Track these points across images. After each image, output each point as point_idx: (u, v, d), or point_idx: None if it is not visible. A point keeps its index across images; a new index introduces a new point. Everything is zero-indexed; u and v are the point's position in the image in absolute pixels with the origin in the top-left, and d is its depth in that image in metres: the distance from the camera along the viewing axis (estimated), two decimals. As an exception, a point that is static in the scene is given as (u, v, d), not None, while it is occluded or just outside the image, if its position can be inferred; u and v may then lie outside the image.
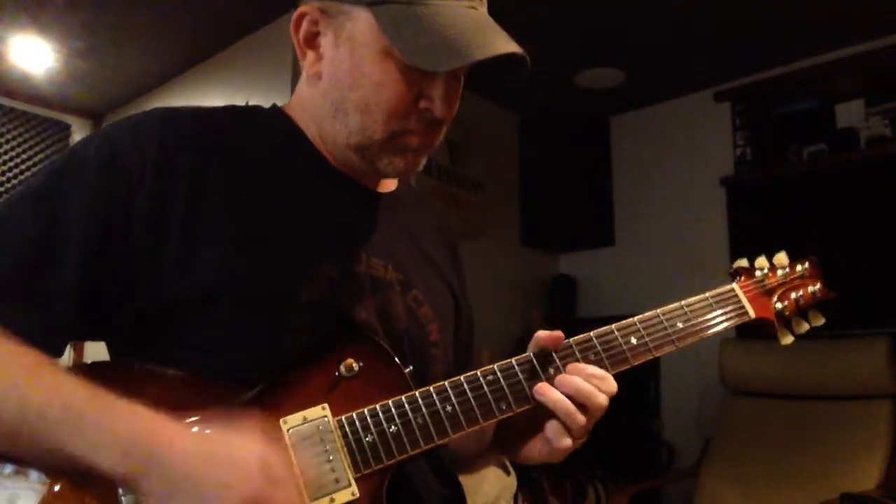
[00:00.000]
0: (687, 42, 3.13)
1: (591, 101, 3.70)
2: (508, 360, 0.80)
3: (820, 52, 3.20)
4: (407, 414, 0.74)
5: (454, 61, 0.75)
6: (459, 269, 1.04)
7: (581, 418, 0.76)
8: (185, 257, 0.74)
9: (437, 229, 1.04)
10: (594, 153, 3.94)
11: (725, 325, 0.90)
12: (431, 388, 0.76)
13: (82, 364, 0.74)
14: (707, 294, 0.91)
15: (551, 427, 0.78)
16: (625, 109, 3.91)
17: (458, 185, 3.51)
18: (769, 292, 0.96)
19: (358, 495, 0.71)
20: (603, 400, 0.77)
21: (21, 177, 3.65)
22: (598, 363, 0.81)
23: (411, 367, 0.78)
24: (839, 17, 2.89)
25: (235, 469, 0.63)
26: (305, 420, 0.72)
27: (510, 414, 0.78)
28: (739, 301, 0.93)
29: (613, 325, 0.84)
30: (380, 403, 0.74)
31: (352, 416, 0.73)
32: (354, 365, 0.76)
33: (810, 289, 0.98)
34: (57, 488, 0.64)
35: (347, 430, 0.73)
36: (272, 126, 0.89)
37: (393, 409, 0.74)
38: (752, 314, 0.93)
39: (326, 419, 0.73)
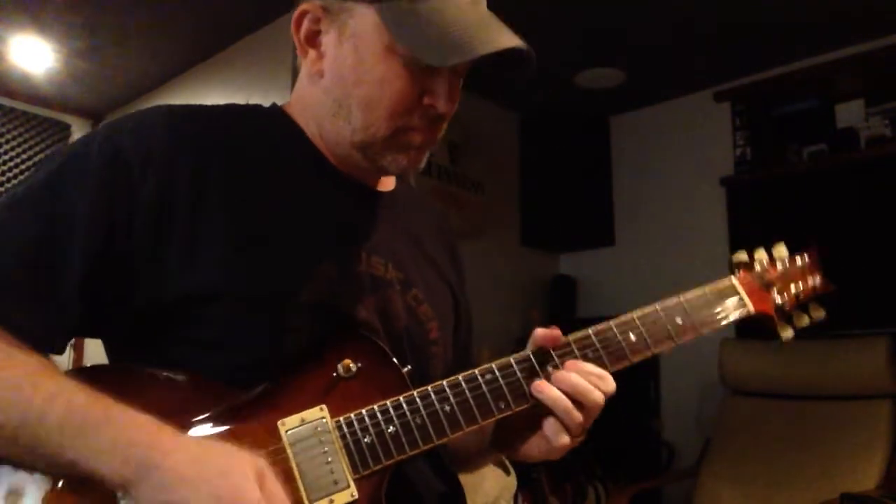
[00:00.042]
0: (687, 42, 3.12)
1: (591, 101, 3.70)
2: (507, 359, 0.79)
3: (820, 52, 3.20)
4: (405, 414, 0.74)
5: (459, 56, 0.75)
6: (459, 268, 1.04)
7: (578, 416, 0.76)
8: (185, 256, 0.74)
9: (436, 229, 1.04)
10: (594, 153, 3.94)
11: (725, 320, 0.89)
12: (430, 388, 0.76)
13: (82, 368, 0.74)
14: (706, 288, 0.90)
15: (549, 425, 0.78)
16: (625, 109, 3.91)
17: (458, 185, 3.51)
18: (768, 286, 0.94)
19: (357, 496, 0.71)
20: (599, 397, 0.77)
21: (21, 177, 3.65)
22: (597, 360, 0.81)
23: (409, 367, 0.78)
24: (839, 17, 2.89)
25: (229, 480, 0.63)
26: (303, 421, 0.72)
27: (509, 413, 0.78)
28: (738, 295, 0.91)
29: (612, 322, 0.83)
30: (378, 404, 0.74)
31: (350, 417, 0.73)
32: (352, 365, 0.75)
33: (810, 281, 0.97)
34: (60, 484, 0.65)
35: (346, 431, 0.73)
36: (272, 125, 0.89)
37: (391, 410, 0.74)
38: (751, 308, 0.91)
39: (325, 420, 0.73)
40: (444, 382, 0.77)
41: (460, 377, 0.77)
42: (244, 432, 0.71)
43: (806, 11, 2.84)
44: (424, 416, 0.75)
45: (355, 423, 0.73)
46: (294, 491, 0.68)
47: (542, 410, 0.78)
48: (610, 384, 0.78)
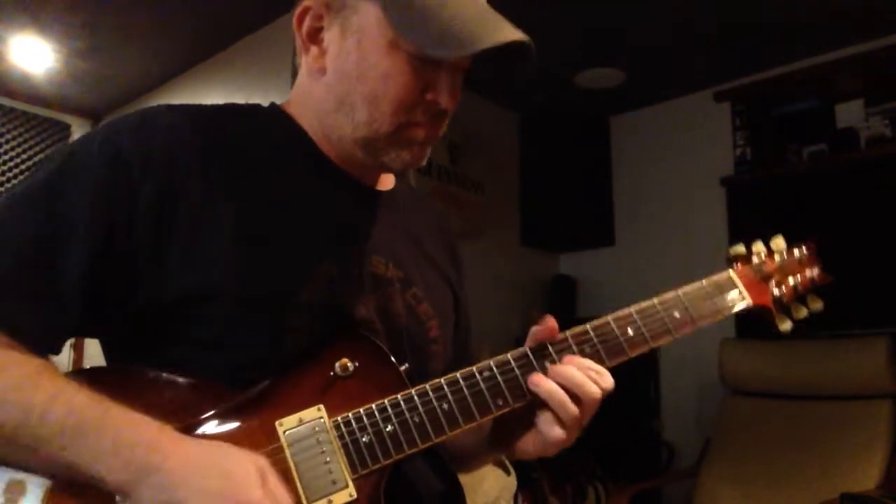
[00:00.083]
0: (687, 42, 3.12)
1: (591, 101, 3.70)
2: (504, 355, 0.79)
3: (820, 52, 3.20)
4: (403, 413, 0.74)
5: (464, 48, 0.75)
6: (459, 267, 1.04)
7: (573, 409, 0.76)
8: (185, 256, 0.74)
9: (436, 228, 1.04)
10: (594, 153, 3.94)
11: (723, 313, 0.88)
12: (427, 386, 0.76)
13: (82, 369, 0.74)
14: (703, 281, 0.89)
15: (543, 417, 0.77)
16: (625, 109, 3.91)
17: (458, 185, 3.51)
18: (766, 278, 0.94)
19: (356, 496, 0.71)
20: (596, 391, 0.76)
21: (21, 177, 3.66)
22: (595, 355, 0.80)
23: (407, 365, 0.78)
24: (839, 17, 2.88)
25: (230, 480, 0.63)
26: (301, 422, 0.72)
27: (507, 409, 0.78)
28: (737, 288, 0.91)
29: (610, 316, 0.83)
30: (376, 403, 0.74)
31: (348, 416, 0.73)
32: (350, 364, 0.75)
33: (808, 273, 0.96)
34: (60, 485, 0.65)
35: (344, 430, 0.73)
36: (272, 124, 0.88)
37: (389, 409, 0.74)
38: (749, 301, 0.91)
39: (322, 420, 0.73)
40: (443, 380, 0.77)
41: (458, 375, 0.77)
42: (242, 433, 0.71)
43: (806, 11, 2.84)
44: (422, 413, 0.74)
45: (353, 423, 0.73)
46: (292, 491, 0.68)
47: (538, 406, 0.78)
48: (607, 380, 0.78)
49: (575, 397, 0.76)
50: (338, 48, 0.81)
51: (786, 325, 0.94)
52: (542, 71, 3.26)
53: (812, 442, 2.64)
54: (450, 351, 0.94)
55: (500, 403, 0.77)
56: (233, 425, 0.71)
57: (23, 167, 3.71)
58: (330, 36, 0.82)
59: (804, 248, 0.99)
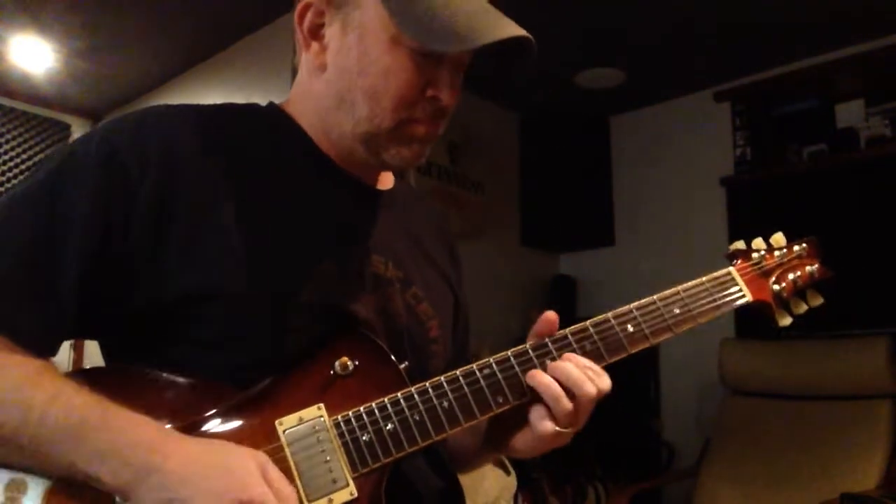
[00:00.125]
0: (687, 42, 3.12)
1: (591, 101, 3.70)
2: (505, 353, 0.79)
3: (820, 52, 3.20)
4: (403, 411, 0.74)
5: (466, 43, 0.75)
6: (458, 266, 1.04)
7: (567, 404, 0.75)
8: (185, 256, 0.74)
9: (436, 228, 1.04)
10: (594, 153, 3.94)
11: (723, 309, 0.88)
12: (427, 384, 0.76)
13: (82, 369, 0.74)
14: (704, 278, 0.90)
15: (536, 411, 0.77)
16: (625, 109, 3.91)
17: (458, 185, 3.51)
18: (766, 274, 0.94)
19: (356, 495, 0.71)
20: (592, 390, 0.76)
21: (21, 177, 3.66)
22: (595, 352, 0.80)
23: (407, 363, 0.78)
24: (839, 17, 2.88)
25: (231, 476, 0.63)
26: (301, 420, 0.72)
27: (507, 407, 0.77)
28: (737, 284, 0.91)
29: (610, 314, 0.83)
30: (376, 401, 0.74)
31: (348, 415, 0.73)
32: (349, 363, 0.75)
33: (808, 269, 0.96)
34: (60, 485, 0.65)
35: (344, 429, 0.72)
36: (271, 124, 0.88)
37: (389, 407, 0.74)
38: (749, 297, 0.91)
39: (322, 419, 0.73)
40: (443, 378, 0.77)
41: (458, 373, 0.77)
42: (242, 432, 0.71)
43: (806, 11, 2.84)
44: (423, 412, 0.74)
45: (353, 422, 0.73)
46: None
47: (534, 401, 0.78)
48: (605, 381, 0.78)
49: (570, 394, 0.76)
50: (339, 44, 0.81)
51: (785, 321, 0.94)
52: (542, 71, 3.26)
53: (812, 442, 2.64)
54: (449, 351, 0.94)
55: (501, 401, 0.77)
56: (233, 424, 0.71)
57: (23, 167, 3.71)
58: (331, 32, 0.82)
59: (804, 243, 0.99)
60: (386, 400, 0.74)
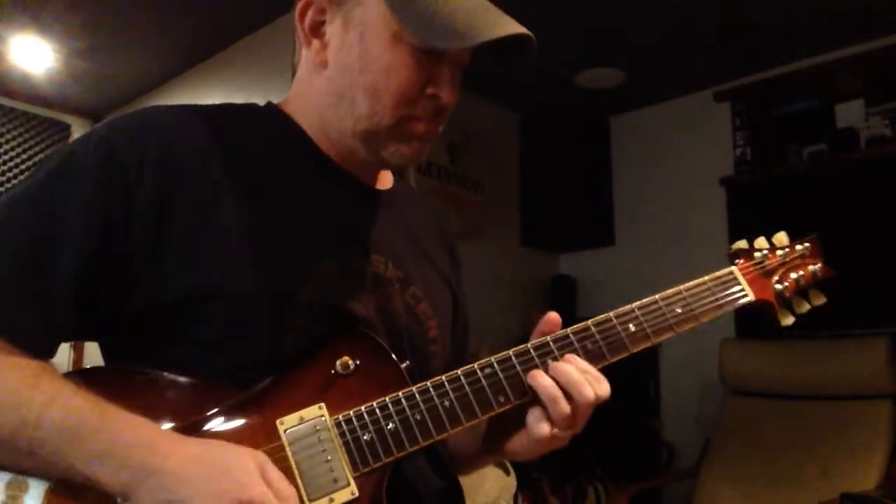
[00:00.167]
0: (687, 42, 3.12)
1: (591, 101, 3.70)
2: (506, 352, 0.79)
3: (820, 52, 3.20)
4: (405, 411, 0.74)
5: (467, 40, 0.75)
6: (457, 266, 1.04)
7: (565, 407, 0.75)
8: (185, 256, 0.74)
9: (435, 227, 1.04)
10: (594, 153, 3.94)
11: (725, 308, 0.88)
12: (429, 384, 0.76)
13: (81, 370, 0.74)
14: (706, 278, 0.89)
15: (532, 413, 0.77)
16: (625, 109, 3.91)
17: (458, 185, 3.51)
18: (769, 273, 0.94)
19: (357, 494, 0.71)
20: (590, 394, 0.75)
21: (21, 177, 3.66)
22: (597, 351, 0.80)
23: (408, 363, 0.78)
24: (839, 17, 2.89)
25: (230, 476, 0.63)
26: (302, 420, 0.72)
27: (508, 406, 0.77)
28: (739, 283, 0.91)
29: (612, 313, 0.83)
30: (377, 401, 0.74)
31: (349, 414, 0.73)
32: (350, 362, 0.75)
33: (811, 268, 0.96)
34: (60, 487, 0.65)
35: (345, 428, 0.72)
36: (270, 124, 0.88)
37: (390, 406, 0.74)
38: (751, 297, 0.90)
39: (323, 418, 0.73)
40: (444, 377, 0.76)
41: (459, 372, 0.77)
42: (243, 432, 0.71)
43: (806, 11, 2.84)
44: (424, 411, 0.74)
45: (354, 421, 0.73)
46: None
47: (532, 402, 0.78)
48: (604, 387, 0.77)
49: (569, 397, 0.76)
50: (340, 41, 0.81)
51: (788, 320, 0.94)
52: (542, 71, 3.26)
53: (812, 442, 2.64)
54: (448, 351, 0.94)
55: (503, 400, 0.77)
56: (233, 424, 0.71)
57: (23, 167, 3.71)
58: (332, 30, 0.82)
59: (807, 242, 0.99)
60: (387, 399, 0.74)
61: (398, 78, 0.79)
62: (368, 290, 0.83)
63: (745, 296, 0.90)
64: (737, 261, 0.94)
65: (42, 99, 3.72)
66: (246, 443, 0.69)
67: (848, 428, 2.60)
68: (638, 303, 0.84)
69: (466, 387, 0.76)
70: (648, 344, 0.83)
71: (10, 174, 3.68)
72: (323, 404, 0.73)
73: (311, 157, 0.87)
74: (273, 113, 0.90)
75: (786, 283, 0.94)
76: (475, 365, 0.78)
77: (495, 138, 3.83)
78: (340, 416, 0.73)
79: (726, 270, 0.92)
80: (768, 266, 0.95)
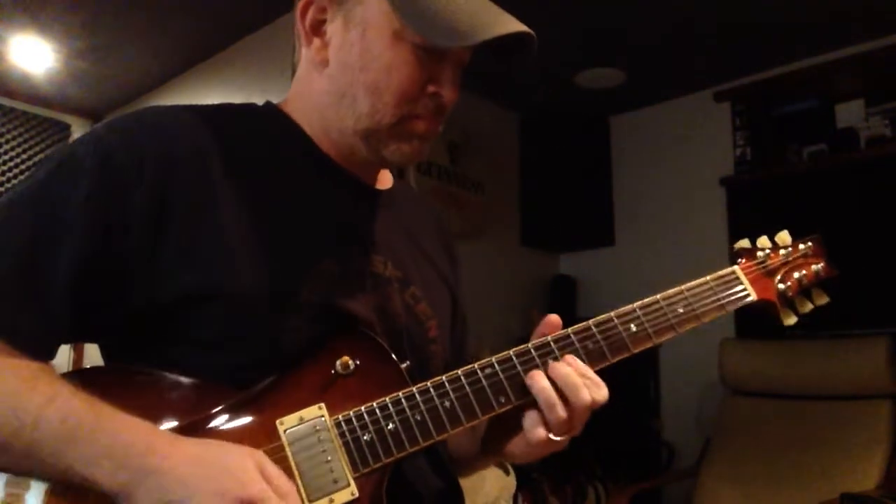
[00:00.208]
0: (687, 42, 3.12)
1: (591, 101, 3.70)
2: (507, 352, 0.79)
3: (820, 52, 3.20)
4: (405, 411, 0.74)
5: (469, 38, 0.76)
6: (456, 266, 1.04)
7: (561, 413, 0.75)
8: (185, 256, 0.74)
9: (434, 227, 1.04)
10: (594, 153, 3.94)
11: (727, 308, 0.88)
12: (429, 384, 0.76)
13: (80, 370, 0.74)
14: (708, 277, 0.89)
15: (528, 417, 0.76)
16: (625, 109, 3.91)
17: (458, 185, 3.51)
18: (771, 273, 0.93)
19: (357, 495, 0.70)
20: (587, 397, 0.75)
21: (21, 177, 3.65)
22: (598, 351, 0.80)
23: (408, 363, 0.78)
24: (839, 17, 2.88)
25: (230, 475, 0.63)
26: (302, 420, 0.72)
27: (509, 406, 0.77)
28: (741, 283, 0.90)
29: (613, 313, 0.83)
30: (377, 401, 0.74)
31: (349, 414, 0.73)
32: (350, 362, 0.75)
33: (814, 267, 0.96)
34: (59, 488, 0.65)
35: (345, 429, 0.72)
36: (269, 124, 0.88)
37: (391, 407, 0.74)
38: (754, 296, 0.90)
39: (323, 419, 0.73)
40: (444, 378, 0.76)
41: (459, 372, 0.77)
42: (242, 432, 0.71)
43: (806, 11, 2.84)
44: (424, 412, 0.74)
45: (354, 421, 0.73)
46: None
47: (529, 405, 0.77)
48: (602, 392, 0.77)
49: (566, 400, 0.75)
50: (341, 40, 0.82)
51: (790, 320, 0.93)
52: (542, 71, 3.26)
53: (812, 442, 2.64)
54: (448, 351, 0.94)
55: (503, 401, 0.77)
56: (233, 425, 0.71)
57: (23, 167, 3.71)
58: (333, 28, 0.82)
59: (810, 241, 0.99)
60: (387, 399, 0.74)
61: (399, 76, 0.79)
62: (368, 290, 0.83)
63: (748, 295, 0.90)
64: (739, 260, 0.94)
65: (42, 99, 3.71)
66: (246, 443, 0.68)
67: (848, 428, 2.60)
68: (639, 303, 0.84)
69: (467, 387, 0.76)
70: (650, 344, 0.83)
71: (10, 174, 3.68)
72: (323, 404, 0.73)
73: (311, 156, 0.87)
74: (272, 113, 0.90)
75: (788, 283, 0.94)
76: (476, 365, 0.78)
77: (495, 138, 3.83)
78: (340, 417, 0.73)
79: (728, 270, 0.91)
80: (770, 265, 0.94)
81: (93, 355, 0.80)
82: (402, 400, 0.74)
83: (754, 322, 2.88)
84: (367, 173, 0.91)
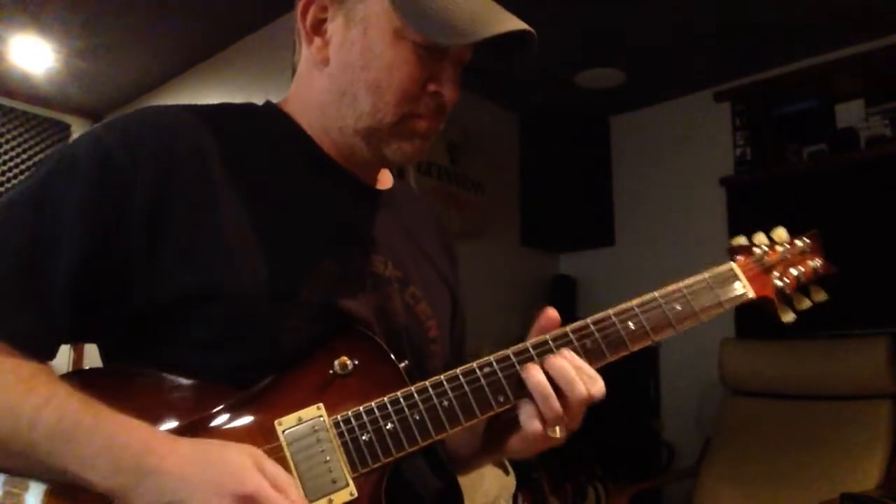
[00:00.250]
0: (687, 42, 3.12)
1: (591, 101, 3.70)
2: (505, 350, 0.79)
3: (820, 52, 3.20)
4: (403, 410, 0.74)
5: (470, 36, 0.76)
6: (455, 265, 1.04)
7: (556, 405, 0.74)
8: (184, 256, 0.74)
9: (434, 227, 1.04)
10: (594, 153, 3.94)
11: (725, 305, 0.87)
12: (427, 383, 0.76)
13: (78, 371, 0.74)
14: (706, 274, 0.88)
15: (524, 409, 0.76)
16: (625, 109, 3.91)
17: (458, 185, 3.51)
18: (769, 269, 0.93)
19: (356, 495, 0.70)
20: (583, 391, 0.75)
21: (21, 177, 3.66)
22: (596, 349, 0.80)
23: (407, 362, 0.78)
24: (839, 17, 2.88)
25: (228, 472, 0.63)
26: (300, 420, 0.72)
27: (508, 406, 0.77)
28: (739, 280, 0.90)
29: (611, 310, 0.82)
30: (375, 401, 0.74)
31: (347, 414, 0.73)
32: (349, 362, 0.75)
33: (811, 264, 0.95)
34: (57, 489, 0.65)
35: (343, 429, 0.72)
36: (269, 123, 0.88)
37: (389, 406, 0.74)
38: (751, 294, 0.90)
39: (322, 419, 0.72)
40: (443, 377, 0.76)
41: (458, 371, 0.77)
42: (241, 432, 0.70)
43: (806, 11, 2.84)
44: (423, 411, 0.74)
45: (353, 421, 0.73)
46: None
47: (526, 400, 0.77)
48: (598, 386, 0.76)
49: (561, 394, 0.75)
50: (342, 38, 0.82)
51: (788, 317, 0.93)
52: (541, 71, 3.26)
53: (812, 442, 2.64)
54: (447, 351, 0.94)
55: (502, 400, 0.77)
56: (231, 425, 0.71)
57: (23, 167, 3.71)
58: (334, 27, 0.82)
59: (807, 238, 0.98)
60: (386, 399, 0.74)
61: (400, 74, 0.79)
62: (368, 290, 0.83)
63: (746, 293, 0.90)
64: (736, 257, 0.94)
65: (42, 99, 3.71)
66: (244, 443, 0.68)
67: (848, 428, 2.60)
68: (637, 300, 0.84)
69: (465, 386, 0.76)
70: (648, 342, 0.82)
71: (10, 174, 3.68)
72: (321, 404, 0.73)
73: (311, 156, 0.87)
74: (272, 112, 0.90)
75: (786, 280, 0.93)
76: (474, 364, 0.77)
77: (495, 138, 3.83)
78: (339, 417, 0.73)
79: (726, 267, 0.91)
80: (768, 262, 0.94)
81: (93, 356, 0.80)
82: (401, 400, 0.74)
83: (754, 322, 2.88)
84: (367, 173, 0.91)
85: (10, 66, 3.30)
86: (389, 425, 0.73)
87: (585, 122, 3.90)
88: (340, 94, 0.83)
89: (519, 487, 2.58)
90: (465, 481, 0.93)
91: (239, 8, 2.87)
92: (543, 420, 0.75)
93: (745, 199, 3.41)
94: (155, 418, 0.68)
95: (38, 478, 0.65)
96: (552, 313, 0.81)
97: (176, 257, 0.73)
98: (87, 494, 0.64)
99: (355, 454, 0.72)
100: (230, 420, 0.71)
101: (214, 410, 0.71)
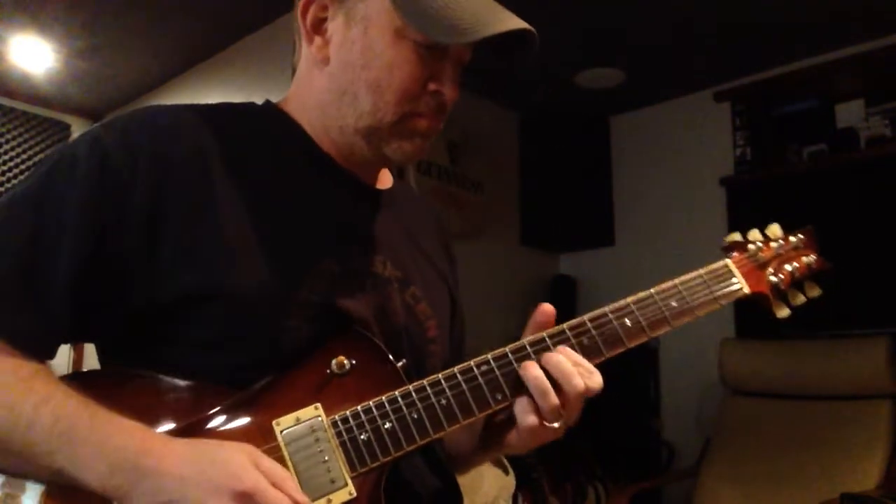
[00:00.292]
0: (687, 42, 3.12)
1: (591, 101, 3.70)
2: (502, 349, 0.79)
3: (820, 52, 3.20)
4: (401, 409, 0.74)
5: (471, 35, 0.76)
6: (454, 265, 1.05)
7: (553, 399, 0.75)
8: (184, 256, 0.74)
9: (433, 227, 1.04)
10: (594, 153, 3.94)
11: (721, 301, 0.88)
12: (425, 382, 0.76)
13: (77, 372, 0.74)
14: (701, 270, 0.89)
15: (519, 402, 0.76)
16: (625, 109, 3.91)
17: (458, 185, 3.51)
18: (763, 265, 0.94)
19: (355, 495, 0.70)
20: (580, 385, 0.75)
21: (21, 177, 3.66)
22: (593, 346, 0.80)
23: (405, 361, 0.78)
24: (839, 17, 2.88)
25: (225, 471, 0.63)
26: (298, 421, 0.72)
27: (506, 404, 0.77)
28: (734, 276, 0.91)
29: (607, 307, 0.83)
30: (373, 400, 0.74)
31: (345, 414, 0.73)
32: (346, 362, 0.75)
33: (805, 259, 0.96)
34: (56, 489, 0.65)
35: (342, 428, 0.72)
36: (269, 123, 0.88)
37: (387, 405, 0.74)
38: (746, 289, 0.91)
39: (320, 419, 0.72)
40: (440, 376, 0.76)
41: (456, 370, 0.77)
42: (239, 433, 0.70)
43: (806, 11, 2.84)
44: (421, 409, 0.74)
45: (351, 421, 0.73)
46: None
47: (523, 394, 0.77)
48: (595, 379, 0.77)
49: (559, 389, 0.75)
50: (342, 37, 0.82)
51: (783, 312, 0.94)
52: (542, 71, 3.26)
53: (812, 442, 2.64)
54: (447, 351, 0.94)
55: (500, 398, 0.77)
56: (229, 426, 0.71)
57: (23, 167, 3.71)
58: (334, 26, 0.82)
59: (801, 234, 0.99)
60: (384, 398, 0.74)
61: (401, 73, 0.79)
62: (368, 290, 0.83)
63: (741, 288, 0.91)
64: (731, 253, 0.94)
65: (42, 99, 3.71)
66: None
67: (848, 428, 2.60)
68: (633, 297, 0.85)
69: (463, 385, 0.76)
70: (645, 338, 0.83)
71: (10, 174, 3.68)
72: (319, 404, 0.73)
73: (311, 156, 0.87)
74: (272, 112, 0.90)
75: (781, 275, 0.94)
76: (472, 363, 0.78)
77: (495, 138, 3.83)
78: (337, 416, 0.73)
79: (721, 263, 0.92)
80: (763, 258, 0.95)
81: (93, 356, 0.80)
82: (399, 398, 0.74)
83: (754, 322, 2.88)
84: (367, 173, 0.91)
85: (10, 66, 3.30)
86: (388, 424, 0.73)
87: (585, 121, 3.90)
88: (341, 93, 0.83)
89: (519, 487, 2.58)
90: (464, 482, 0.93)
91: (239, 8, 2.87)
92: (540, 414, 0.75)
93: (745, 199, 3.41)
94: (153, 420, 0.68)
95: (36, 478, 0.65)
96: (547, 307, 0.81)
97: (176, 257, 0.73)
98: (84, 495, 0.64)
99: (354, 454, 0.72)
100: (228, 421, 0.71)
101: (212, 412, 0.71)
